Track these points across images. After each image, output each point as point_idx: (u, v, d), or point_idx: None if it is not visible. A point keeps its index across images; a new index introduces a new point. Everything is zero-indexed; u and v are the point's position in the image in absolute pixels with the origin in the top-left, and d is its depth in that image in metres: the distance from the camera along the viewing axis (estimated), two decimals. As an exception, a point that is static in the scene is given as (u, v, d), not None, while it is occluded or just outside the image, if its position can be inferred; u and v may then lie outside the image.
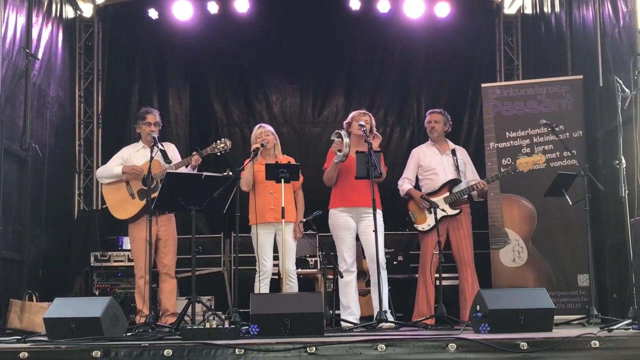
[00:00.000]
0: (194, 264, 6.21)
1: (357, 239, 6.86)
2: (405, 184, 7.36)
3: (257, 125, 7.15)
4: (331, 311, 6.83)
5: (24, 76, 7.78)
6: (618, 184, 6.15)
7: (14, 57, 7.59)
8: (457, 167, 7.28)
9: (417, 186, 7.43)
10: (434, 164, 7.36)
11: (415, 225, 7.26)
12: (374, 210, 6.19)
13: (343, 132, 6.67)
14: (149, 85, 10.16)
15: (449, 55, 10.03)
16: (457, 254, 7.21)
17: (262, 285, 6.70)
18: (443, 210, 7.02)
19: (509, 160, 7.97)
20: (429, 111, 7.65)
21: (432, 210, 6.80)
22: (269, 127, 7.08)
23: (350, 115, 7.00)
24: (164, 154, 6.89)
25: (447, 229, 7.18)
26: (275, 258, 6.91)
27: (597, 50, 7.58)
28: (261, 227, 6.74)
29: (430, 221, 7.11)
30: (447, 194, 7.19)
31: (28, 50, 7.84)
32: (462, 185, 7.26)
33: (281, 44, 10.02)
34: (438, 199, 7.14)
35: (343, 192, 6.79)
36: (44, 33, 8.53)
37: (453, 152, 7.39)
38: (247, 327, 5.06)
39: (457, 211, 7.14)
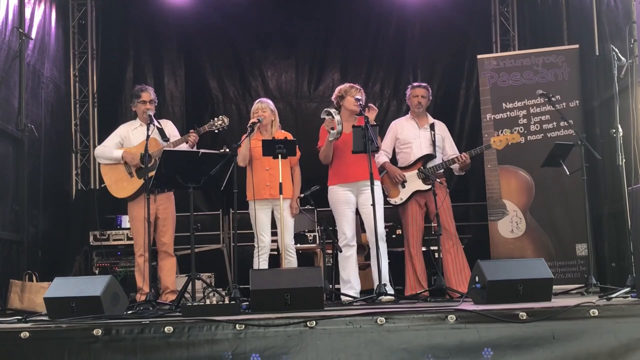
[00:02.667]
0: (193, 241, 6.21)
1: (357, 213, 6.86)
2: (381, 157, 7.26)
3: (257, 100, 7.12)
4: (330, 285, 6.85)
5: (17, 56, 7.75)
6: (615, 152, 6.17)
7: (7, 37, 7.55)
8: (433, 142, 7.23)
9: (393, 159, 7.40)
10: (410, 137, 7.32)
11: (388, 199, 7.22)
12: (372, 183, 6.18)
13: (333, 110, 6.59)
14: (143, 63, 10.11)
15: (444, 27, 9.98)
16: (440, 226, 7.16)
17: (261, 261, 6.71)
18: (403, 186, 7.05)
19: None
20: (411, 85, 7.57)
21: (404, 184, 6.82)
22: (268, 102, 7.02)
23: (339, 89, 6.90)
24: (161, 132, 6.87)
25: (425, 203, 7.18)
26: (274, 234, 6.91)
27: (592, 19, 7.54)
28: (258, 203, 6.73)
29: (402, 195, 7.13)
30: (421, 168, 7.17)
31: (21, 30, 7.80)
32: (437, 161, 7.21)
33: (275, 19, 9.98)
34: (411, 174, 7.14)
35: (340, 168, 6.76)
36: (37, 12, 8.47)
37: (432, 126, 7.32)
38: (248, 302, 5.08)
39: (428, 186, 7.02)
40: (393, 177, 7.13)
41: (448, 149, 7.40)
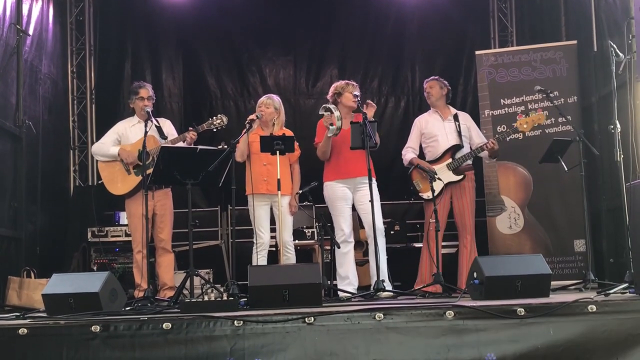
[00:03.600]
0: (192, 237, 6.20)
1: (354, 209, 6.85)
2: (408, 153, 7.28)
3: (267, 95, 7.11)
4: (329, 281, 6.86)
5: (15, 53, 7.74)
6: (613, 148, 6.18)
7: (5, 33, 7.54)
8: (459, 133, 7.18)
9: (421, 155, 7.37)
10: (435, 130, 7.26)
11: (420, 194, 7.16)
12: (370, 179, 6.17)
13: (332, 106, 6.58)
14: (141, 59, 10.09)
15: (442, 23, 9.98)
16: (460, 221, 7.15)
17: (259, 257, 6.71)
18: (440, 179, 6.95)
19: (504, 128, 7.98)
20: (427, 79, 7.51)
21: (435, 177, 6.78)
22: (274, 99, 7.00)
23: (335, 86, 6.91)
24: (159, 130, 6.85)
25: (451, 196, 7.16)
26: (273, 230, 6.91)
27: (591, 14, 7.55)
28: (256, 199, 6.75)
29: (436, 187, 7.05)
30: (450, 160, 7.09)
31: (19, 27, 7.78)
32: (466, 151, 7.17)
33: (274, 15, 9.96)
34: (441, 166, 7.08)
35: (338, 164, 6.75)
36: (35, 8, 8.45)
37: (455, 117, 7.28)
38: (246, 299, 5.09)
39: (460, 177, 7.05)
40: (426, 171, 6.99)
41: (475, 137, 7.34)
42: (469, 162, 7.18)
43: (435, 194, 6.89)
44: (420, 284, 6.98)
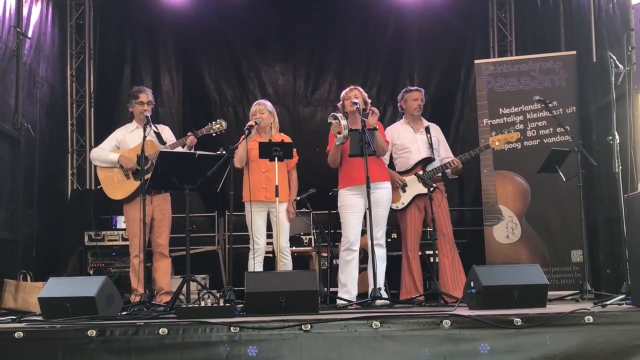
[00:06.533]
0: (189, 242, 6.20)
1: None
2: None
3: (256, 102, 7.11)
4: (325, 289, 6.85)
5: (14, 55, 7.74)
6: (611, 159, 6.18)
7: (4, 36, 7.54)
8: (430, 145, 7.20)
9: (391, 164, 7.37)
10: (407, 142, 7.29)
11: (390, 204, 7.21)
12: (368, 187, 6.15)
13: (340, 115, 6.59)
14: (141, 64, 10.09)
15: (441, 31, 9.99)
16: (437, 230, 7.15)
17: (255, 263, 6.70)
18: (406, 190, 6.99)
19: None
20: (407, 89, 7.51)
21: (405, 188, 6.82)
22: (266, 104, 7.01)
23: (341, 95, 6.94)
24: (158, 135, 6.86)
25: (424, 207, 7.14)
26: (269, 236, 6.91)
27: (590, 25, 7.57)
28: (253, 205, 6.73)
29: (404, 199, 7.11)
30: (421, 172, 7.10)
31: (19, 30, 7.78)
32: (436, 164, 7.20)
33: (273, 22, 9.99)
34: (411, 178, 7.11)
35: (349, 171, 6.72)
36: (34, 11, 8.46)
37: (427, 129, 7.29)
38: (242, 305, 5.08)
39: (430, 188, 7.04)
40: (394, 181, 7.08)
41: (442, 152, 7.39)
42: (438, 175, 7.21)
43: (405, 205, 6.96)
44: (405, 294, 7.01)
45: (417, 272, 7.12)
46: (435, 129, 7.42)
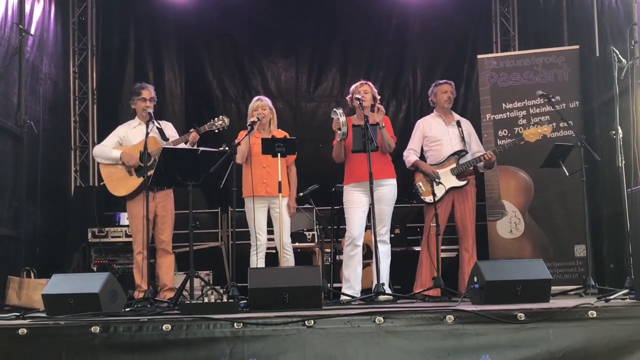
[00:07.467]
0: (192, 239, 6.20)
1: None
2: (411, 155, 7.25)
3: (256, 97, 7.11)
4: (329, 284, 6.84)
5: (17, 52, 7.74)
6: (615, 154, 6.18)
7: (7, 33, 7.54)
8: (462, 139, 7.20)
9: (422, 157, 7.35)
10: (439, 134, 7.25)
11: (422, 197, 7.15)
12: (371, 182, 6.15)
13: (339, 111, 6.57)
14: (143, 60, 10.09)
15: (444, 26, 9.98)
16: (461, 225, 7.14)
17: (258, 259, 6.71)
18: (442, 183, 6.93)
19: (505, 132, 7.99)
20: (437, 82, 7.47)
21: (437, 182, 6.77)
22: (266, 100, 7.03)
23: (351, 89, 6.92)
24: (160, 132, 6.86)
25: (452, 200, 7.15)
26: (270, 232, 6.91)
27: (593, 20, 7.55)
28: (254, 201, 6.74)
29: (438, 192, 7.00)
30: (454, 165, 7.09)
31: (21, 26, 7.78)
32: (468, 157, 7.16)
33: (276, 17, 9.97)
34: (445, 171, 7.07)
35: (353, 167, 6.73)
36: (37, 8, 8.45)
37: (458, 123, 7.28)
38: (246, 301, 5.08)
39: (464, 182, 7.06)
40: (427, 174, 7.02)
41: (474, 146, 7.35)
42: (471, 169, 7.18)
43: (438, 198, 6.90)
44: (420, 287, 6.97)
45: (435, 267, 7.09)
46: (466, 123, 7.40)
